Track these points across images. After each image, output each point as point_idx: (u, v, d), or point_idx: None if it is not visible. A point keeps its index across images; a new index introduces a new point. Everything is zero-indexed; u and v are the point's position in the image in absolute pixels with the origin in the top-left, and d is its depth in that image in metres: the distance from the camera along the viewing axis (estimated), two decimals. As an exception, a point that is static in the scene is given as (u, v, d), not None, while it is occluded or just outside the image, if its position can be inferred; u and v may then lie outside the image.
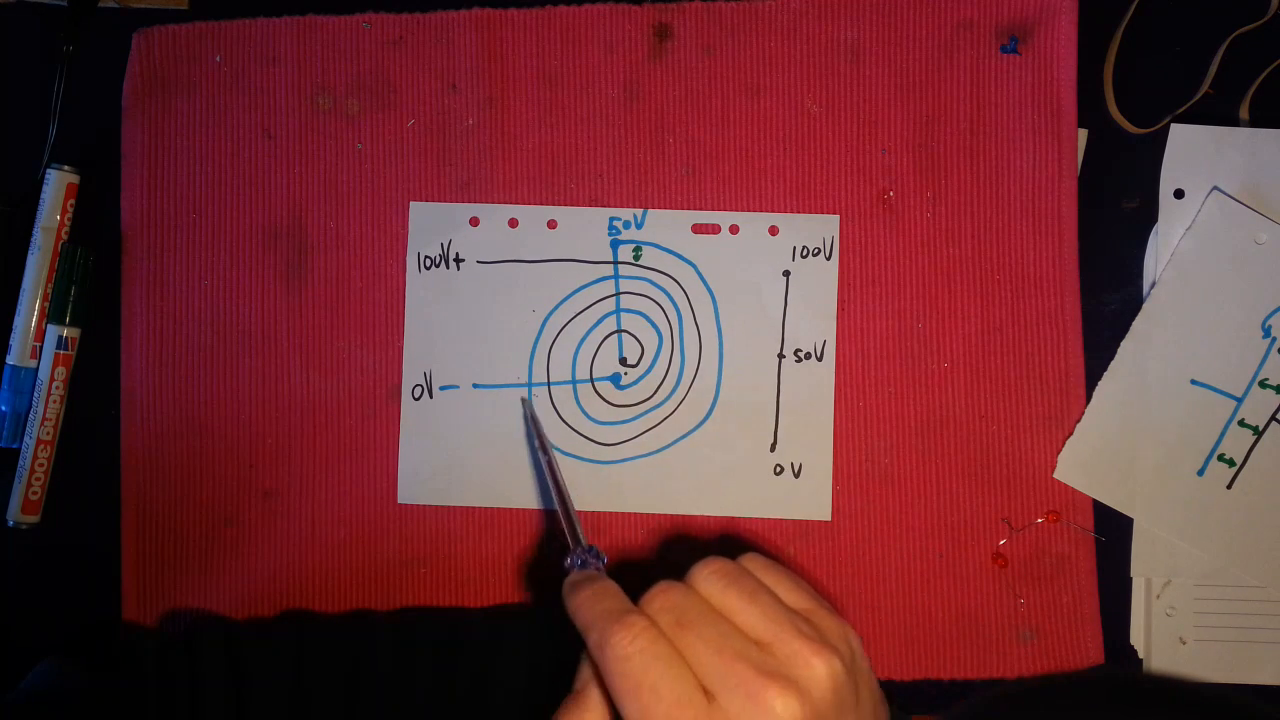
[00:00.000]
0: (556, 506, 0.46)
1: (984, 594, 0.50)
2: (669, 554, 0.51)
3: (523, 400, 0.51)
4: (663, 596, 0.35)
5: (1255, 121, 0.51)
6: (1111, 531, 0.50)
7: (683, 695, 0.32)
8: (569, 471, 0.51)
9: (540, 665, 0.46)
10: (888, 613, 0.50)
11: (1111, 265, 0.51)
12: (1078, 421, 0.50)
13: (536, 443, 0.50)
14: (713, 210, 0.51)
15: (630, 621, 0.34)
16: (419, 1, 0.52)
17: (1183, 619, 0.50)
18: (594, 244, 0.52)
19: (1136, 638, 0.51)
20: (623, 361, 0.51)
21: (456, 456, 0.51)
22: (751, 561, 0.37)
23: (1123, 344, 0.50)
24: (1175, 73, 0.52)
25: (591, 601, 0.36)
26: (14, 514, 0.51)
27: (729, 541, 0.51)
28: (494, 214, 0.52)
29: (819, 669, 0.33)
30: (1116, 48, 0.51)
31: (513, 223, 0.52)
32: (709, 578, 0.35)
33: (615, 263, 0.51)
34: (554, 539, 0.51)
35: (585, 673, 0.36)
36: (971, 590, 0.50)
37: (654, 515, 0.51)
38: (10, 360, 0.51)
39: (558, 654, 0.46)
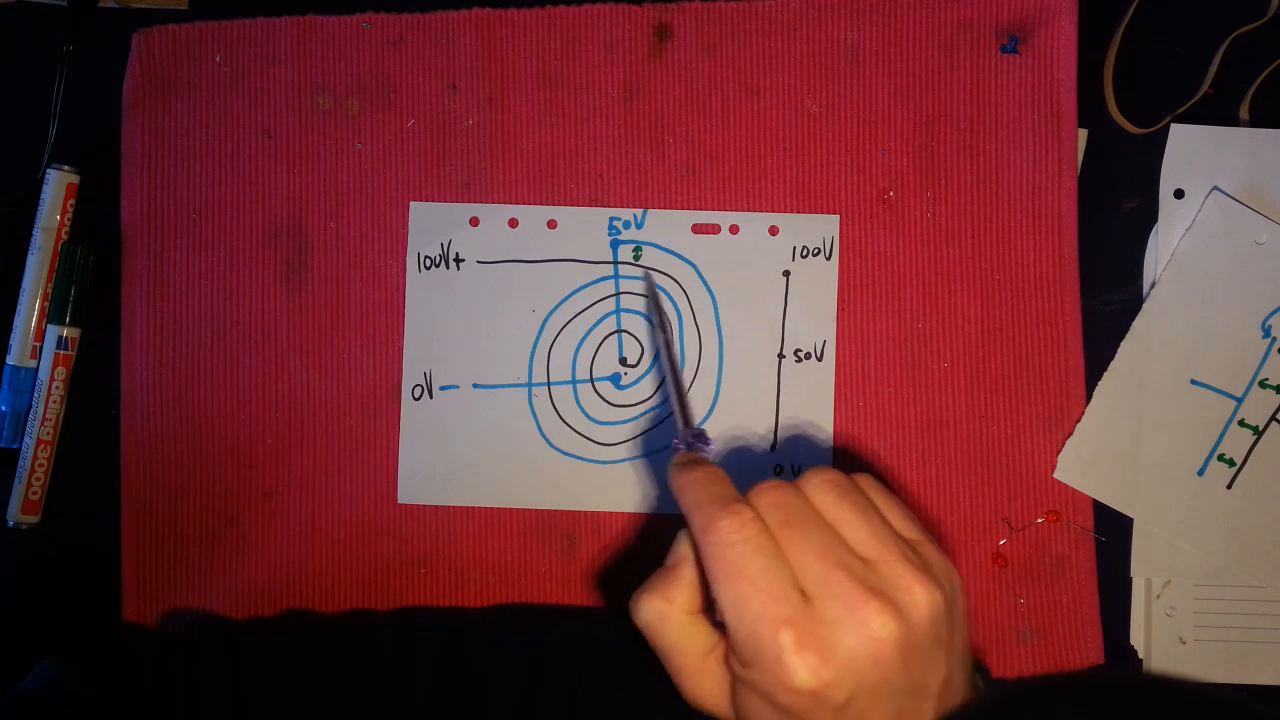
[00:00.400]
0: (669, 386, 0.46)
1: (984, 594, 0.50)
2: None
3: (648, 280, 0.50)
4: (773, 493, 0.35)
5: (1255, 121, 0.51)
6: (1111, 531, 0.50)
7: (780, 591, 0.33)
8: (569, 471, 0.51)
9: (540, 665, 0.46)
10: (888, 613, 0.50)
11: (1111, 265, 0.51)
12: (1078, 421, 0.50)
13: (655, 320, 0.49)
14: (713, 210, 0.51)
15: (738, 510, 0.34)
16: (419, 1, 0.52)
17: (1183, 619, 0.50)
18: (594, 244, 0.52)
19: (1136, 638, 0.51)
20: (623, 361, 0.51)
21: (456, 456, 0.51)
22: (865, 481, 0.37)
23: (1123, 344, 0.50)
24: (1175, 73, 0.52)
25: (700, 484, 0.36)
26: (14, 514, 0.51)
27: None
28: (494, 214, 0.52)
29: (920, 596, 0.33)
30: (1116, 48, 0.51)
31: (513, 223, 0.52)
32: (821, 485, 0.36)
33: (615, 263, 0.51)
34: (556, 533, 0.51)
35: (681, 550, 0.37)
36: (971, 590, 0.50)
37: (654, 515, 0.51)
38: (10, 360, 0.51)
39: (558, 654, 0.46)
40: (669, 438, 0.51)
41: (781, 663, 0.32)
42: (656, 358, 0.48)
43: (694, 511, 0.35)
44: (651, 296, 0.50)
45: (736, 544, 0.34)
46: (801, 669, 0.32)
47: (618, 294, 0.51)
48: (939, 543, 0.37)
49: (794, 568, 0.34)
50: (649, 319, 0.51)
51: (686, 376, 0.51)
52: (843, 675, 0.32)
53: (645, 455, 0.51)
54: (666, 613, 0.36)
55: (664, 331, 0.49)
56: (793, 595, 0.33)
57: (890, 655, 0.33)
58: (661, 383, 0.47)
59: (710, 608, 0.36)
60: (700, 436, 0.42)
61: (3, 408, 0.51)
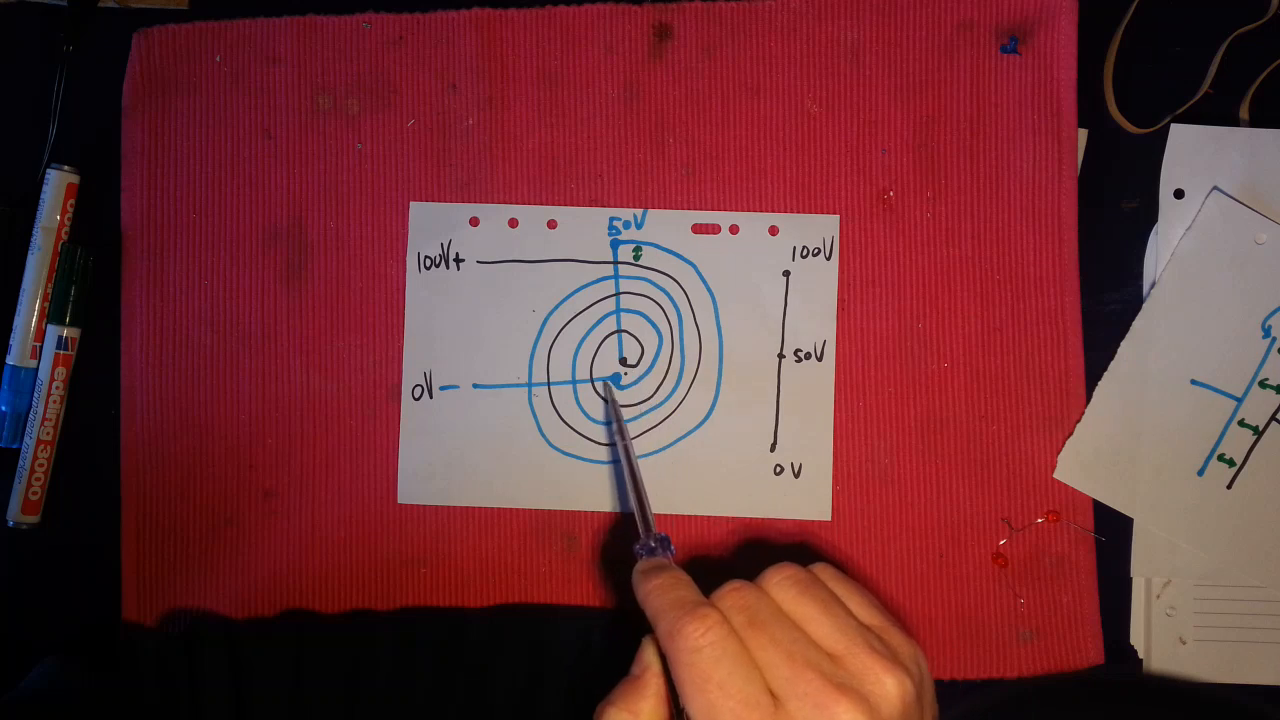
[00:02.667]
0: (629, 492, 0.45)
1: (984, 594, 0.50)
2: (669, 554, 0.51)
3: (606, 385, 0.51)
4: (736, 595, 0.35)
5: (1255, 121, 0.51)
6: (1111, 531, 0.50)
7: (751, 696, 0.32)
8: (569, 471, 0.51)
9: (541, 665, 0.46)
10: (888, 613, 0.50)
11: (1111, 265, 0.51)
12: (1078, 421, 0.50)
13: (615, 428, 0.49)
14: (713, 210, 0.51)
15: (704, 614, 0.34)
16: (419, 1, 0.52)
17: (1183, 619, 0.50)
18: (594, 244, 0.51)
19: (1136, 638, 0.51)
20: (623, 361, 0.51)
21: (456, 456, 0.51)
22: (824, 572, 0.37)
23: (1123, 344, 0.50)
24: (1175, 73, 0.52)
25: (664, 589, 0.36)
26: (14, 514, 0.51)
27: (733, 542, 0.51)
28: (494, 214, 0.52)
29: (890, 687, 0.33)
30: (1116, 48, 0.51)
31: (513, 223, 0.52)
32: (782, 583, 0.36)
33: (615, 263, 0.51)
34: (570, 534, 0.51)
35: (646, 658, 0.36)
36: (971, 590, 0.50)
37: (654, 515, 0.51)
38: (10, 360, 0.51)
39: (558, 654, 0.46)
40: (669, 437, 0.51)
41: None
42: (617, 459, 0.48)
43: (659, 617, 0.35)
44: (612, 405, 0.50)
45: (704, 649, 0.33)
46: None
47: (618, 294, 0.51)
48: (902, 625, 0.36)
49: (762, 669, 0.33)
50: (607, 424, 0.51)
51: (687, 376, 0.51)
52: None
53: (645, 455, 0.51)
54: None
55: (623, 438, 0.48)
56: (763, 699, 0.33)
57: None
58: (631, 476, 0.46)
59: (679, 717, 0.35)
60: (663, 542, 0.41)
61: (3, 408, 0.51)
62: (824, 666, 0.33)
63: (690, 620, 0.34)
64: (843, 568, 0.39)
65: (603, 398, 0.51)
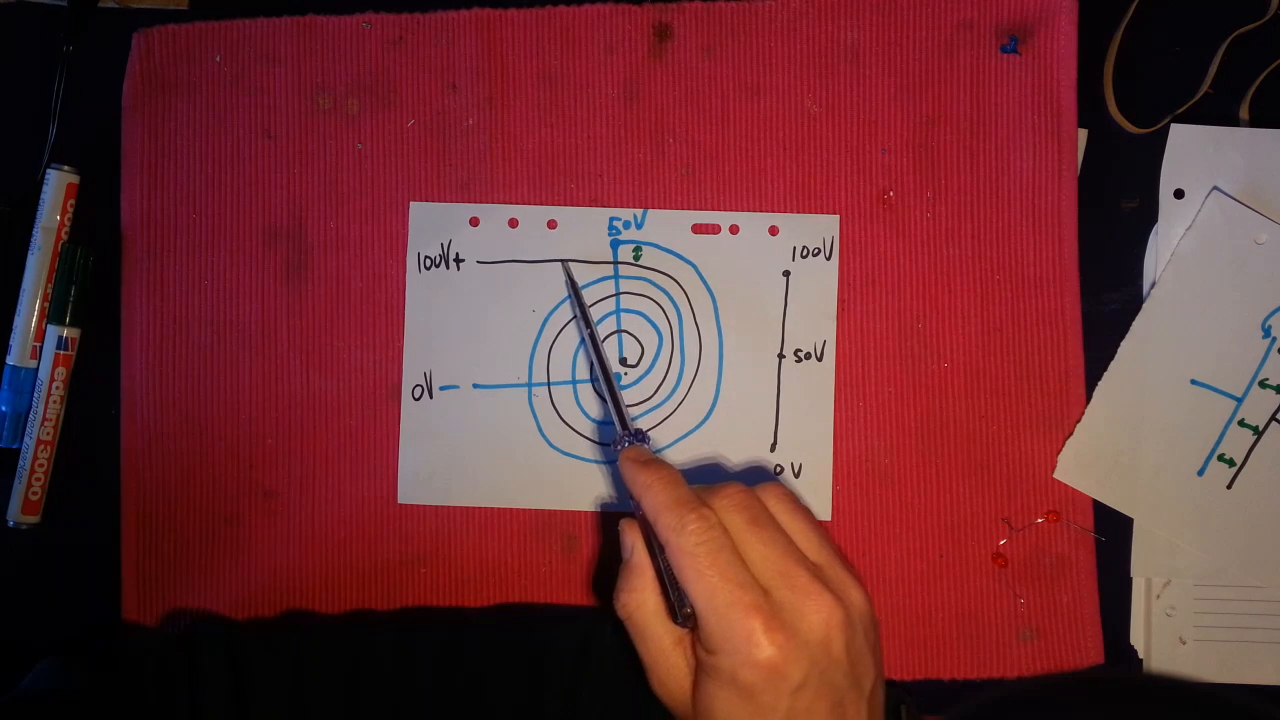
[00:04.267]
0: (602, 386, 0.49)
1: (984, 594, 0.50)
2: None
3: (564, 264, 0.51)
4: (738, 495, 0.40)
5: (1255, 121, 0.51)
6: (1111, 531, 0.50)
7: (745, 581, 0.38)
8: (569, 471, 0.51)
9: (540, 665, 0.46)
10: (888, 613, 0.50)
11: (1111, 265, 0.51)
12: (1078, 421, 0.50)
13: (577, 313, 0.51)
14: (713, 210, 0.51)
15: (705, 514, 0.39)
16: (419, 1, 0.52)
17: (1183, 619, 0.50)
18: (594, 244, 0.52)
19: (1136, 638, 0.51)
20: (623, 361, 0.51)
21: (456, 456, 0.51)
22: (795, 501, 0.42)
23: (1123, 344, 0.50)
24: (1175, 73, 0.52)
25: (664, 487, 0.41)
26: (14, 514, 0.51)
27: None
28: (494, 214, 0.52)
29: (857, 597, 0.40)
30: (1116, 48, 0.51)
31: (513, 223, 0.52)
32: (773, 494, 0.42)
33: (615, 263, 0.51)
34: (554, 532, 0.51)
35: (636, 545, 0.42)
36: (971, 590, 0.50)
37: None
38: (10, 360, 0.51)
39: (558, 653, 0.46)
40: (669, 437, 0.51)
41: (752, 641, 0.37)
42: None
43: (661, 513, 0.40)
44: (571, 285, 0.51)
45: (705, 543, 0.39)
46: (768, 645, 0.37)
47: (618, 294, 0.51)
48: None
49: (754, 562, 0.39)
50: (574, 314, 0.51)
51: (687, 376, 0.51)
52: (800, 654, 0.37)
53: (645, 455, 0.51)
54: (643, 601, 0.41)
55: (588, 325, 0.50)
56: (755, 586, 0.38)
57: (836, 642, 0.38)
58: (601, 365, 0.48)
59: (673, 610, 0.40)
60: (640, 435, 0.46)
61: (3, 408, 0.51)
62: (809, 566, 0.39)
63: (694, 518, 0.39)
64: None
65: (566, 283, 0.51)
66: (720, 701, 0.38)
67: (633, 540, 0.42)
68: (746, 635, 0.37)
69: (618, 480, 0.51)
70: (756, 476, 0.51)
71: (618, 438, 0.46)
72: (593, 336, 0.49)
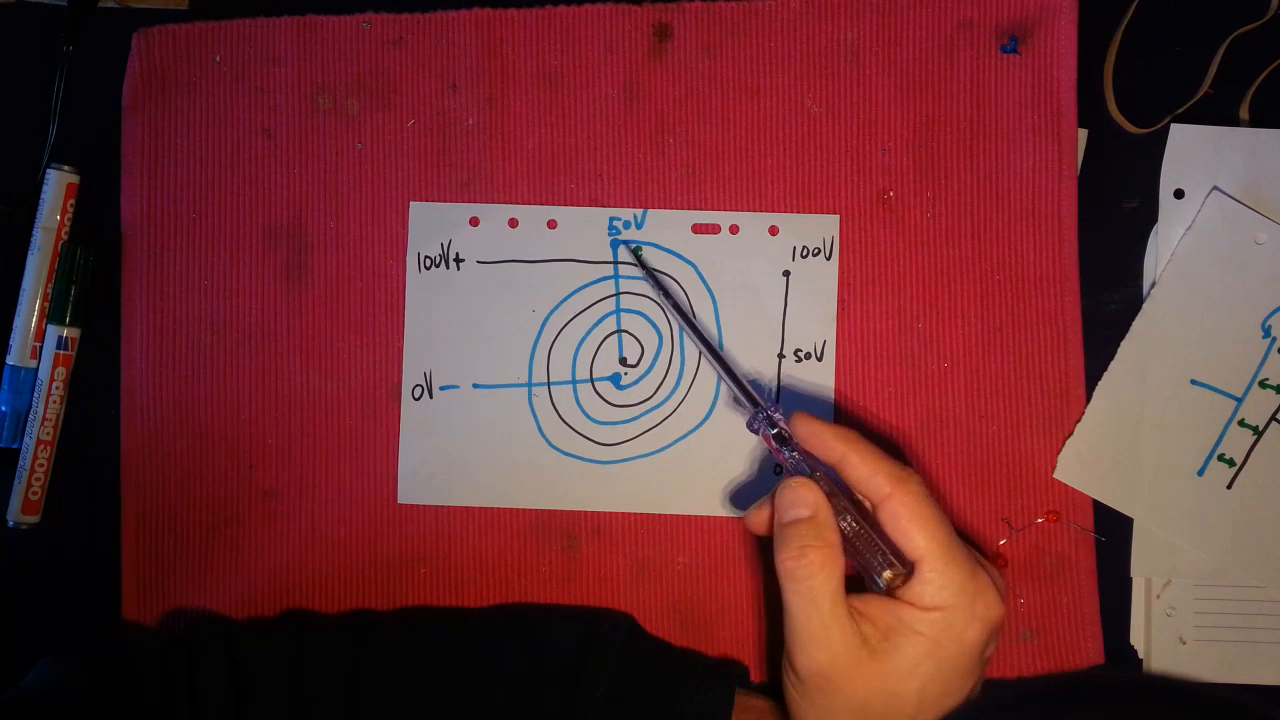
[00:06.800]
0: (717, 370, 0.49)
1: (984, 594, 0.50)
2: (669, 554, 0.51)
3: (633, 251, 0.51)
4: (913, 470, 0.43)
5: (1255, 121, 0.51)
6: (1111, 531, 0.50)
7: (961, 541, 0.42)
8: (569, 471, 0.51)
9: (540, 665, 0.46)
10: (888, 613, 0.50)
11: (1111, 265, 0.51)
12: (1078, 421, 0.50)
13: (668, 308, 0.51)
14: (713, 210, 0.51)
15: (914, 472, 0.43)
16: (419, 1, 0.52)
17: (1183, 619, 0.50)
18: (594, 244, 0.52)
19: (1136, 638, 0.51)
20: (623, 361, 0.51)
21: (456, 456, 0.51)
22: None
23: (1123, 344, 0.50)
24: (1175, 73, 0.52)
25: (873, 456, 0.42)
26: (14, 514, 0.51)
27: (733, 542, 0.51)
28: (494, 214, 0.52)
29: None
30: (1116, 48, 0.51)
31: (513, 223, 0.52)
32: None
33: (615, 263, 0.51)
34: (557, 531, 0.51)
35: (820, 503, 0.42)
36: (971, 590, 0.50)
37: (654, 515, 0.51)
38: (10, 360, 0.51)
39: (558, 654, 0.46)
40: (669, 437, 0.51)
41: (990, 594, 0.41)
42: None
43: (882, 462, 0.42)
44: (654, 282, 0.51)
45: (931, 495, 0.42)
46: (999, 603, 0.41)
47: (618, 294, 0.51)
48: None
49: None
50: (669, 314, 0.51)
51: (687, 376, 0.51)
52: (1001, 621, 0.41)
53: (645, 455, 0.51)
54: (828, 559, 0.41)
55: (684, 318, 0.50)
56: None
57: (998, 624, 0.41)
58: (707, 347, 0.49)
59: (869, 572, 0.41)
60: (774, 408, 0.46)
61: (3, 408, 0.51)
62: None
63: (913, 475, 0.42)
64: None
65: (643, 266, 0.51)
66: (922, 664, 0.40)
67: (815, 498, 0.42)
68: (982, 589, 0.40)
69: (618, 480, 0.51)
70: (757, 476, 0.51)
71: (759, 408, 0.46)
72: (688, 321, 0.50)
